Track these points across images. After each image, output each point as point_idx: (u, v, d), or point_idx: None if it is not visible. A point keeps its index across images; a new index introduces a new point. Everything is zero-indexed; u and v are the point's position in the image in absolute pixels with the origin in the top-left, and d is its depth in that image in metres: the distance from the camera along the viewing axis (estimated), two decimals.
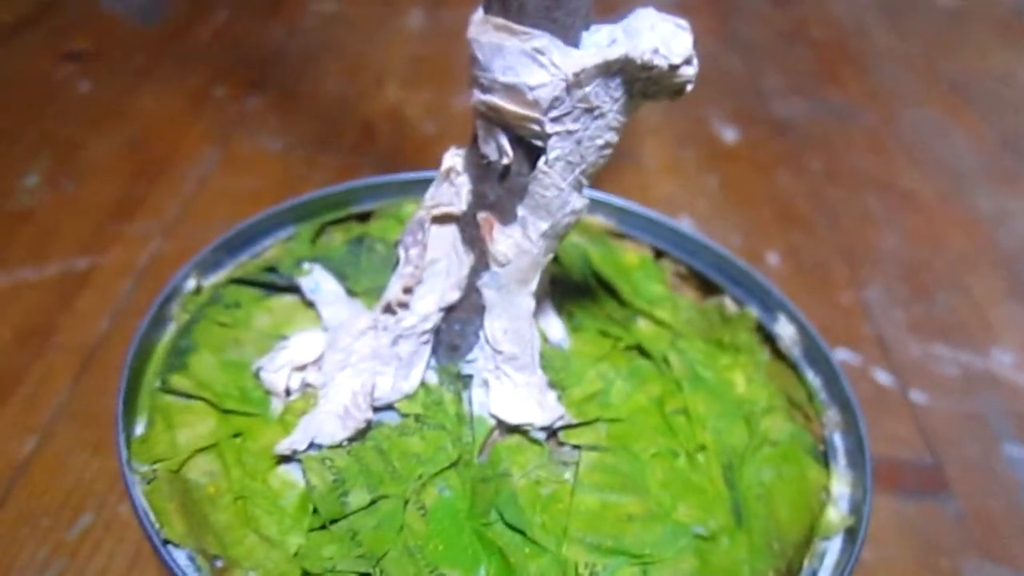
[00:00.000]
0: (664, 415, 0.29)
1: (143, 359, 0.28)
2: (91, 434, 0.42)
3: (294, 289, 0.31)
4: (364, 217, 0.36)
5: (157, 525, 0.23)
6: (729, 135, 0.69)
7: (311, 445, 0.25)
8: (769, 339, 0.33)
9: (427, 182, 0.36)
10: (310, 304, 0.31)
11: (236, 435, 0.26)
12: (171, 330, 0.29)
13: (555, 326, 0.31)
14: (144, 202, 0.56)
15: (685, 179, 0.64)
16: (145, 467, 0.24)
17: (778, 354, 0.33)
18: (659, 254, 0.36)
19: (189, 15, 0.77)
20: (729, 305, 0.34)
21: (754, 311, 0.33)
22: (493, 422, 0.27)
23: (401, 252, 0.28)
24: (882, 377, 0.50)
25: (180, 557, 0.22)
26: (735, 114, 0.72)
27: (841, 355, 0.50)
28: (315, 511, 0.24)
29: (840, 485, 0.28)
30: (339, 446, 0.25)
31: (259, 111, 0.65)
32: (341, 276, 0.32)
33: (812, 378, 0.31)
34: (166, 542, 0.22)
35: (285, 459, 0.25)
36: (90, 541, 0.38)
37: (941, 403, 0.49)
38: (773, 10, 0.90)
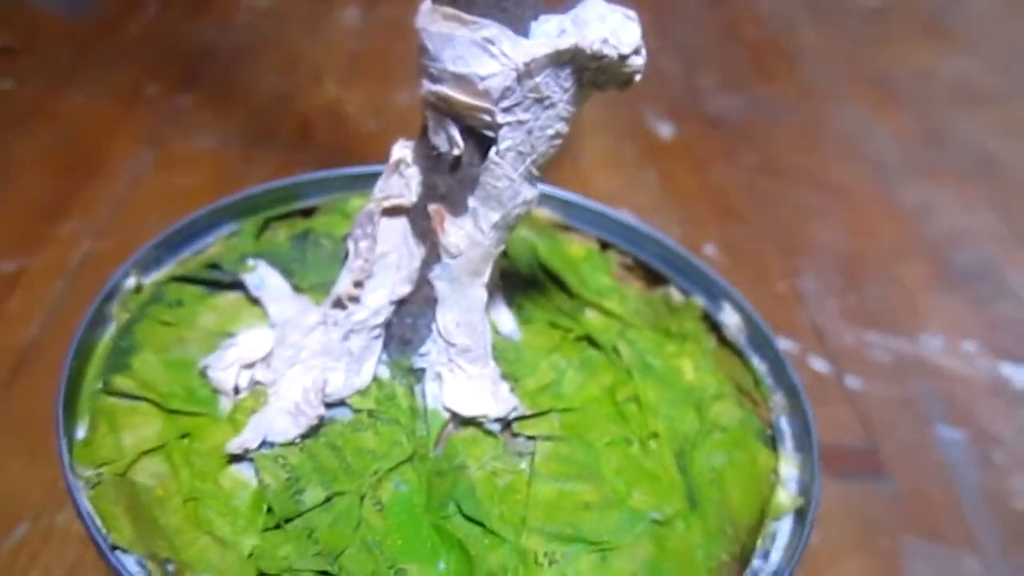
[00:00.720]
0: (616, 404, 0.29)
1: (82, 360, 0.27)
2: (25, 442, 0.40)
3: (239, 286, 0.31)
4: (308, 212, 0.35)
5: (104, 530, 0.22)
6: (665, 131, 0.70)
7: (263, 443, 0.25)
8: (715, 327, 0.34)
9: (373, 176, 0.36)
10: (255, 301, 0.30)
11: (184, 436, 0.25)
12: (111, 330, 0.28)
13: (505, 318, 0.31)
14: (74, 202, 0.54)
15: (624, 174, 0.64)
16: (89, 471, 0.23)
17: (724, 342, 0.33)
18: (604, 246, 0.37)
19: (118, 10, 0.74)
20: (675, 295, 0.34)
21: (699, 300, 0.34)
22: (447, 415, 0.27)
23: (351, 245, 0.27)
24: (819, 364, 0.51)
25: (129, 563, 0.21)
26: (670, 110, 0.73)
27: (779, 344, 0.51)
28: (269, 510, 0.23)
29: (788, 467, 0.28)
30: (292, 444, 0.25)
31: (192, 109, 0.64)
32: (287, 272, 0.31)
33: (758, 364, 0.32)
34: (114, 548, 0.22)
35: (236, 458, 0.25)
36: (26, 552, 0.36)
37: (875, 388, 0.50)
38: (707, 8, 0.92)
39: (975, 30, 0.94)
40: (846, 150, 0.71)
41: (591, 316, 0.33)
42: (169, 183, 0.57)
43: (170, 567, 0.22)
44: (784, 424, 0.30)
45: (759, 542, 0.26)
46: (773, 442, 0.29)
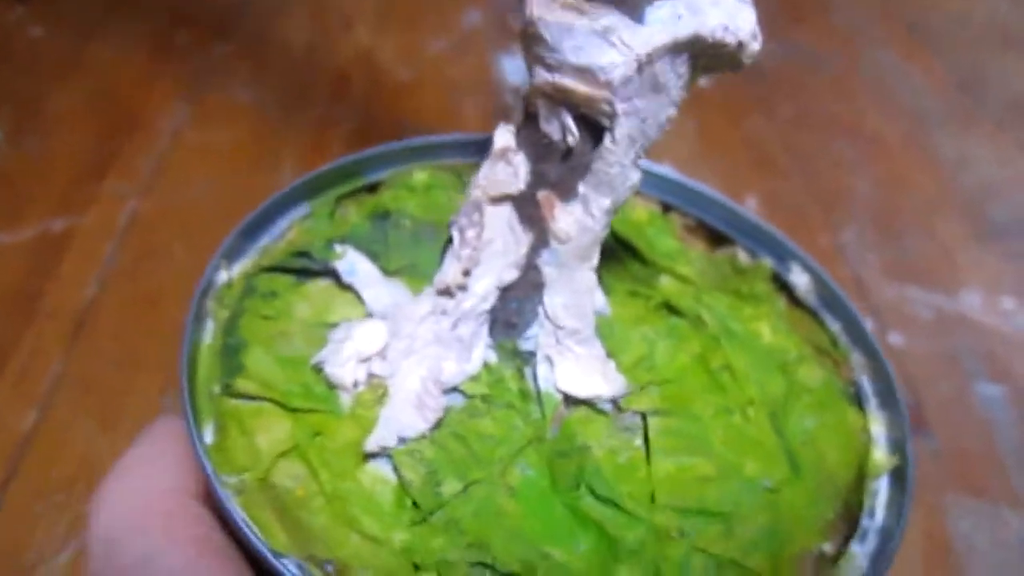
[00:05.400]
0: (710, 372, 0.30)
1: (192, 361, 0.27)
2: (92, 403, 0.41)
3: (327, 273, 0.31)
4: (373, 188, 0.35)
5: (263, 537, 0.22)
6: (702, 80, 0.70)
7: (398, 439, 0.25)
8: (784, 288, 0.34)
9: (432, 147, 0.36)
10: (346, 287, 0.30)
11: (315, 435, 0.25)
12: (210, 327, 0.28)
13: (597, 294, 0.31)
14: (116, 159, 0.53)
15: None
16: (233, 478, 0.24)
17: (795, 302, 0.34)
18: (666, 208, 0.37)
19: None
20: (741, 256, 0.35)
21: (768, 261, 0.34)
22: (559, 397, 0.28)
23: (455, 233, 0.27)
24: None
25: (290, 566, 0.22)
26: None
27: None
28: (414, 504, 0.24)
29: (877, 425, 0.30)
30: (423, 437, 0.25)
31: (228, 60, 0.63)
32: (372, 255, 0.31)
33: (831, 323, 0.33)
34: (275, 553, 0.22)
35: (372, 455, 0.25)
36: None
37: (917, 344, 0.51)
38: None
39: None
40: (881, 98, 0.71)
41: (666, 282, 0.33)
42: (209, 139, 0.56)
43: (329, 567, 0.22)
44: (866, 383, 0.31)
45: (864, 500, 0.27)
46: (859, 400, 0.30)
